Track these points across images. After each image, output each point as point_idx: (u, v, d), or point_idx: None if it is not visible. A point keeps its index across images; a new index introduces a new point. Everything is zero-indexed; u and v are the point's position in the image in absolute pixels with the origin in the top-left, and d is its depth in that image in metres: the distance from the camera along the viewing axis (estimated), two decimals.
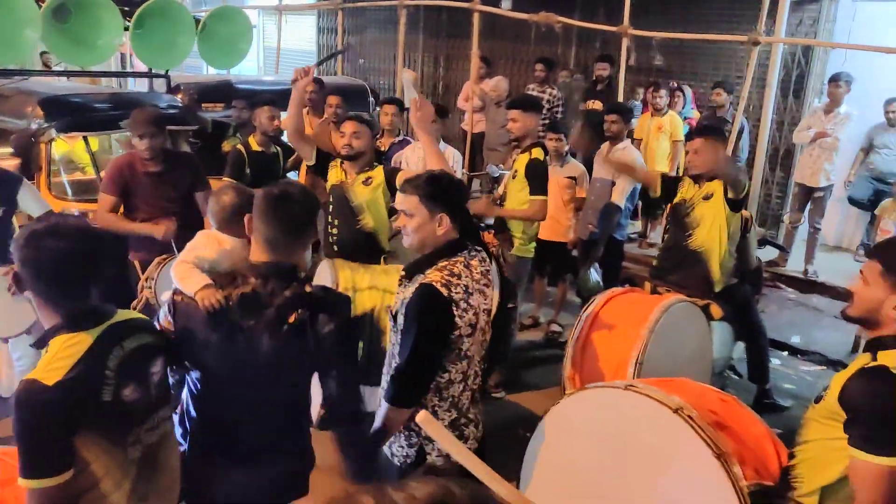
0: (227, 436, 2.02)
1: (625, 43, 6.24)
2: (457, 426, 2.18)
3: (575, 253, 5.14)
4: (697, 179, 3.68)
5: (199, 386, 2.01)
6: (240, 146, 4.71)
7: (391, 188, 3.66)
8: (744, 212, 3.82)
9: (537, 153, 3.99)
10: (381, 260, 3.75)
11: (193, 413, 2.05)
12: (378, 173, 3.76)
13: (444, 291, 2.05)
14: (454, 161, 4.97)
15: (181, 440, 2.06)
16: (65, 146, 5.30)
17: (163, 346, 1.88)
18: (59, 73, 6.15)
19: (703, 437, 1.94)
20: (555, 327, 5.32)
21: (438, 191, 2.15)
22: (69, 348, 1.64)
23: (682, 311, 3.18)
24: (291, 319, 1.94)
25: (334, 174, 3.81)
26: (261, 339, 1.93)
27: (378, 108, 5.64)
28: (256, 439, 2.03)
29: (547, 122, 7.49)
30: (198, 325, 1.96)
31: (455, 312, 2.06)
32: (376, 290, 3.38)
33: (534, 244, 4.24)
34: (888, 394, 1.63)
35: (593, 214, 4.82)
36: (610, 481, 2.14)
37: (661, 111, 6.54)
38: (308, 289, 2.01)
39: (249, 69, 12.38)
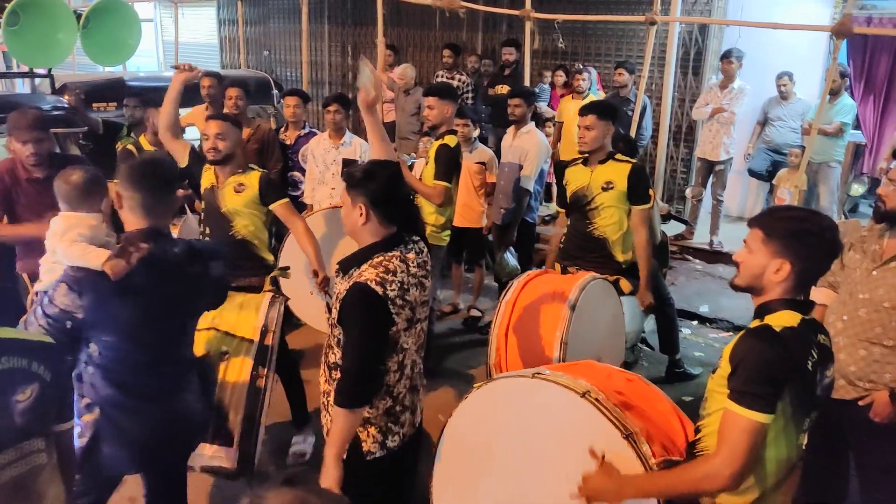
0: (142, 382, 2.23)
1: (528, 26, 6.28)
2: (391, 413, 2.21)
3: (490, 238, 5.16)
4: (587, 162, 3.71)
5: (109, 351, 2.15)
6: (130, 146, 4.50)
7: (266, 198, 3.43)
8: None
9: (449, 140, 3.96)
10: (266, 275, 3.41)
11: (104, 376, 2.18)
12: (252, 181, 3.44)
13: (380, 290, 2.05)
14: (361, 152, 4.87)
15: (85, 414, 2.21)
16: None
17: (38, 373, 1.75)
18: None
19: (610, 418, 1.96)
20: (474, 312, 5.35)
21: (357, 181, 2.17)
22: None
23: (597, 288, 3.24)
24: (190, 272, 2.22)
25: (206, 177, 3.53)
26: (166, 294, 2.19)
27: (281, 101, 5.47)
28: (167, 381, 2.30)
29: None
30: (107, 294, 2.09)
31: (392, 310, 2.07)
32: (213, 333, 3.01)
33: (448, 232, 4.20)
34: (768, 350, 1.67)
35: (504, 199, 4.84)
36: (523, 469, 2.15)
37: (582, 94, 6.62)
38: (191, 244, 2.29)
39: (149, 65, 11.82)
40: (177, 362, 2.34)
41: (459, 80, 7.64)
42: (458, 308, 5.49)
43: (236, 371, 2.87)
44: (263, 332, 2.92)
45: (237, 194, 3.42)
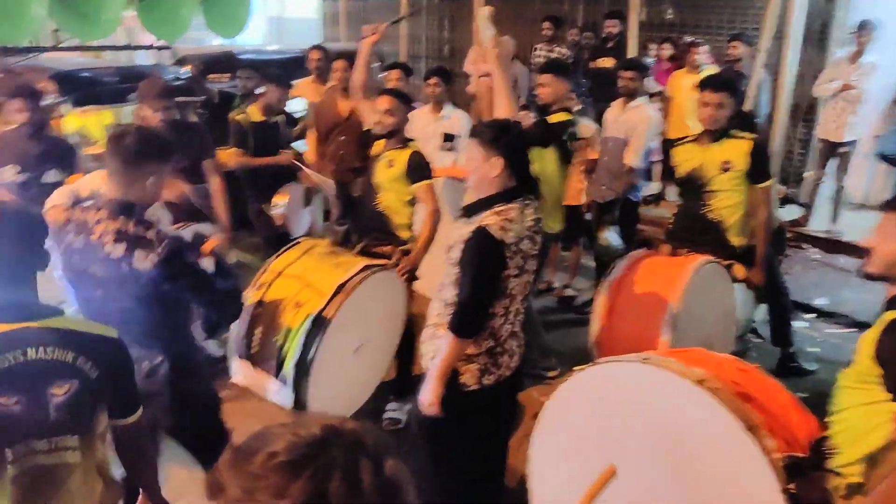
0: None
1: None
2: (492, 353, 2.42)
3: (588, 216, 5.05)
4: (700, 139, 3.53)
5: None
6: (239, 117, 4.65)
7: (410, 177, 3.47)
8: None
9: (557, 117, 3.85)
10: (397, 249, 3.50)
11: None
12: (402, 158, 3.49)
13: (499, 235, 2.26)
14: (462, 125, 4.86)
15: None
16: (78, 121, 5.27)
17: (82, 369, 1.69)
18: (66, 49, 6.08)
19: (731, 408, 1.85)
20: (569, 291, 5.26)
21: (494, 135, 2.34)
22: None
23: (710, 272, 3.12)
24: (113, 253, 2.14)
25: (375, 146, 3.67)
26: (88, 260, 2.19)
27: (383, 75, 5.52)
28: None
29: None
30: (53, 240, 2.19)
31: (507, 254, 2.27)
32: (297, 283, 3.12)
33: (555, 221, 3.97)
34: None
35: (607, 176, 4.71)
36: (627, 457, 2.07)
37: (698, 69, 6.33)
38: (132, 227, 2.15)
39: (254, 39, 12.21)
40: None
41: (559, 54, 7.45)
42: (553, 286, 5.42)
43: (301, 319, 2.97)
44: (337, 291, 2.99)
45: (387, 169, 3.51)
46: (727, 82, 3.53)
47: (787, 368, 4.14)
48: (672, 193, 6.65)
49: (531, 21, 9.02)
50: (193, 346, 2.58)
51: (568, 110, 3.92)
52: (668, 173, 6.74)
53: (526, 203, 2.38)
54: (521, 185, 2.40)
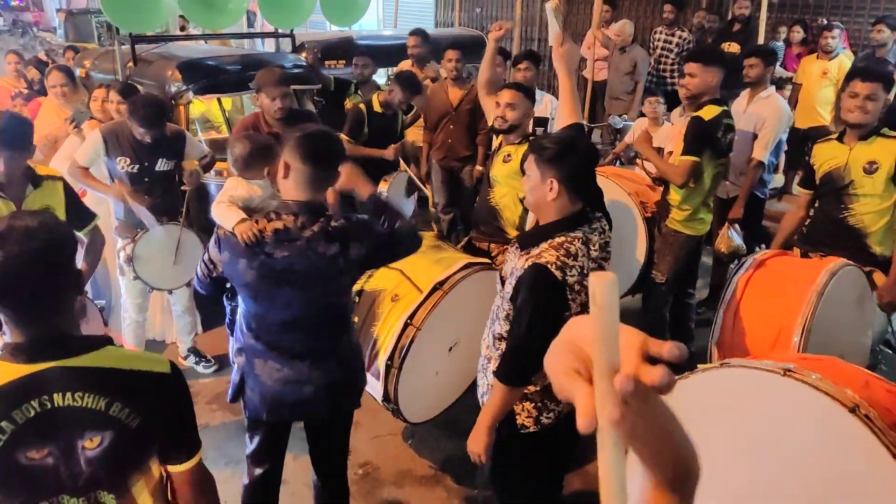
0: (274, 340, 2.29)
1: None
2: (550, 391, 2.19)
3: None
4: (844, 136, 3.24)
5: (245, 304, 2.30)
6: (361, 105, 4.75)
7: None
8: None
9: (705, 112, 3.51)
10: (503, 245, 3.42)
11: (246, 326, 2.33)
12: (519, 153, 3.30)
13: (559, 275, 2.00)
14: (552, 109, 4.76)
15: (237, 355, 2.40)
16: (201, 107, 5.57)
17: (118, 418, 1.43)
18: (193, 37, 6.42)
19: (885, 443, 1.63)
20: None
21: (551, 153, 2.06)
22: None
23: (849, 276, 2.87)
24: (328, 252, 2.17)
25: (496, 140, 3.61)
26: (293, 267, 2.17)
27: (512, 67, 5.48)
28: (297, 345, 2.29)
29: (676, 66, 7.03)
30: (237, 255, 2.21)
31: (568, 296, 2.03)
32: (397, 275, 3.10)
33: (702, 220, 3.73)
34: None
35: (731, 171, 4.46)
36: (750, 478, 1.91)
37: (830, 54, 5.89)
38: (333, 223, 2.20)
39: (369, 23, 12.44)
40: (311, 331, 2.30)
41: (680, 38, 7.16)
42: None
43: (397, 315, 2.98)
44: (434, 290, 2.97)
45: (503, 164, 3.45)
46: (881, 73, 3.21)
47: None
48: (798, 187, 6.26)
49: (653, 2, 8.68)
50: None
51: (719, 102, 3.58)
52: (795, 165, 6.34)
53: (592, 229, 2.12)
54: (585, 210, 2.12)
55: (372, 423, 3.53)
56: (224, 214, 2.45)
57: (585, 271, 2.04)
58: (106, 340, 1.49)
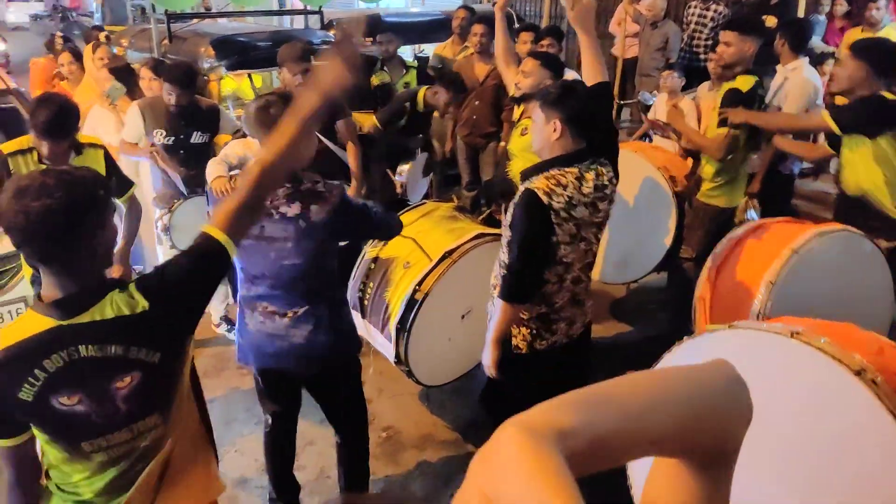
0: (260, 295, 2.38)
1: None
2: (545, 319, 2.41)
3: None
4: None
5: (238, 262, 2.38)
6: (406, 104, 4.67)
7: None
8: None
9: (741, 82, 3.48)
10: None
11: (240, 281, 2.43)
12: None
13: (545, 199, 2.19)
14: None
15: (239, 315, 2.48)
16: (233, 84, 5.68)
17: (139, 359, 1.55)
18: (226, 14, 6.53)
19: (889, 408, 1.63)
20: None
21: (554, 97, 2.25)
22: (22, 323, 1.51)
23: (845, 240, 2.79)
24: (289, 213, 2.23)
25: (516, 111, 3.62)
26: (263, 226, 2.24)
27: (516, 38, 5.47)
28: (276, 302, 2.36)
29: (710, 42, 6.91)
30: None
31: (553, 220, 2.20)
32: (411, 244, 3.18)
33: (738, 194, 3.76)
34: None
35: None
36: (760, 447, 1.90)
37: (875, 26, 5.74)
38: (302, 187, 2.25)
39: (397, 1, 12.43)
40: (291, 289, 2.35)
41: (715, 12, 7.01)
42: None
43: (408, 281, 3.06)
44: (443, 258, 3.05)
45: (521, 137, 3.44)
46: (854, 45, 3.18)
47: None
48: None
49: None
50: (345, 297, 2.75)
51: (753, 72, 3.56)
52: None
53: (590, 167, 2.27)
54: (586, 149, 2.28)
55: (395, 387, 3.63)
56: (209, 169, 2.73)
57: (574, 202, 2.22)
58: (112, 285, 1.55)
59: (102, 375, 1.53)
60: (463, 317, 3.24)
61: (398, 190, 4.73)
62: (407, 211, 3.43)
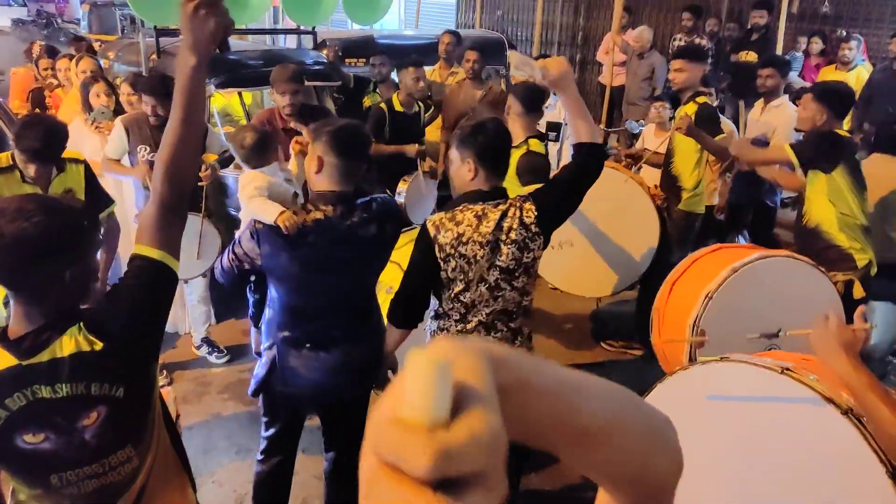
0: (313, 330, 2.36)
1: None
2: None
3: (721, 217, 4.85)
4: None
5: (284, 297, 2.33)
6: (382, 105, 4.81)
7: (521, 178, 3.36)
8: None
9: (703, 100, 3.93)
10: None
11: (280, 319, 2.35)
12: (515, 155, 3.29)
13: (432, 231, 2.22)
14: (566, 115, 4.81)
15: (266, 349, 2.42)
16: (222, 100, 5.66)
17: (101, 395, 1.49)
18: None
19: (874, 448, 1.66)
20: None
21: (468, 136, 2.22)
22: None
23: (788, 266, 2.86)
24: (368, 234, 2.29)
25: None
26: (337, 254, 2.26)
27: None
28: (336, 330, 2.37)
29: None
30: (280, 247, 2.25)
31: (438, 254, 2.21)
32: (396, 269, 3.09)
33: (702, 199, 4.16)
34: None
35: (744, 177, 4.49)
36: (750, 480, 1.92)
37: (848, 65, 5.91)
38: (368, 207, 2.32)
39: (391, 23, 12.53)
40: (349, 315, 2.40)
41: (699, 45, 7.16)
42: None
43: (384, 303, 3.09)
44: None
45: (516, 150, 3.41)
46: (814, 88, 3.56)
47: None
48: None
49: (672, 9, 8.70)
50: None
51: (703, 94, 3.97)
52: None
53: (496, 208, 2.20)
54: (495, 190, 2.25)
55: None
56: (261, 208, 2.43)
57: (464, 240, 2.18)
58: (75, 318, 1.48)
59: (65, 414, 1.46)
60: None
61: None
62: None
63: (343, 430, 2.64)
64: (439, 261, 2.21)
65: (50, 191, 2.95)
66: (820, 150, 3.24)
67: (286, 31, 7.34)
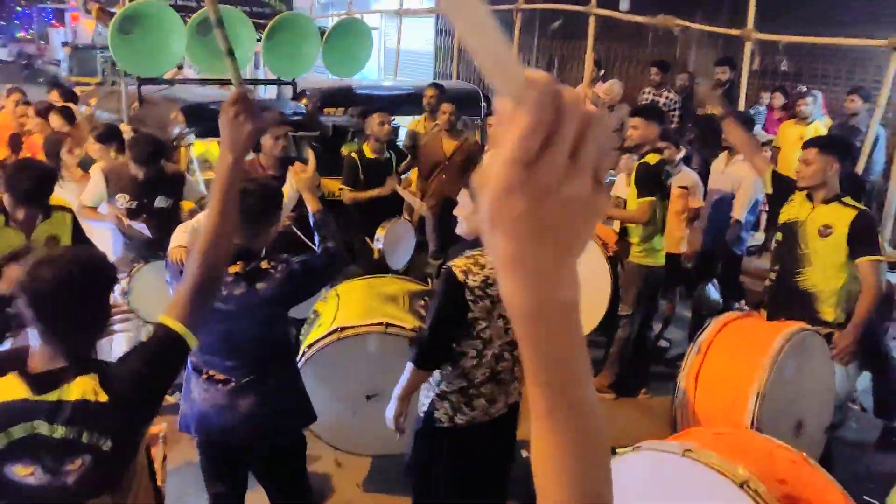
0: (203, 364, 2.43)
1: (748, 47, 5.96)
2: (465, 394, 2.48)
3: (689, 265, 4.99)
4: (811, 197, 3.38)
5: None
6: (354, 154, 4.90)
7: None
8: None
9: (649, 158, 4.09)
10: None
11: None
12: None
13: (461, 276, 2.35)
14: None
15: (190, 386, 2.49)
16: (201, 146, 5.75)
17: (90, 444, 1.56)
18: (198, 82, 6.64)
19: None
20: (662, 342, 5.18)
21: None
22: (2, 384, 1.54)
23: (805, 342, 2.99)
24: (236, 291, 2.35)
25: None
26: (223, 301, 2.30)
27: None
28: (223, 371, 2.42)
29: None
30: (175, 278, 2.38)
31: (468, 297, 2.33)
32: (335, 301, 3.50)
33: (662, 253, 4.30)
34: None
35: (710, 227, 4.66)
36: None
37: (806, 119, 6.18)
38: (250, 266, 2.38)
39: (370, 70, 12.79)
40: (241, 360, 2.41)
41: (667, 98, 7.43)
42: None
43: (312, 336, 3.35)
44: (333, 331, 3.21)
45: None
46: (817, 140, 3.56)
47: (890, 442, 3.93)
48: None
49: (642, 63, 9.03)
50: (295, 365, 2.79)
51: (658, 151, 4.15)
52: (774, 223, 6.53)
53: None
54: None
55: (355, 461, 3.61)
56: (174, 236, 2.79)
57: (490, 281, 2.33)
58: (91, 368, 1.60)
59: (55, 454, 1.55)
60: (369, 398, 3.26)
61: (375, 256, 4.77)
62: (357, 279, 3.70)
63: (272, 490, 2.65)
64: (468, 302, 2.35)
65: (34, 237, 2.99)
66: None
67: (266, 82, 7.49)
